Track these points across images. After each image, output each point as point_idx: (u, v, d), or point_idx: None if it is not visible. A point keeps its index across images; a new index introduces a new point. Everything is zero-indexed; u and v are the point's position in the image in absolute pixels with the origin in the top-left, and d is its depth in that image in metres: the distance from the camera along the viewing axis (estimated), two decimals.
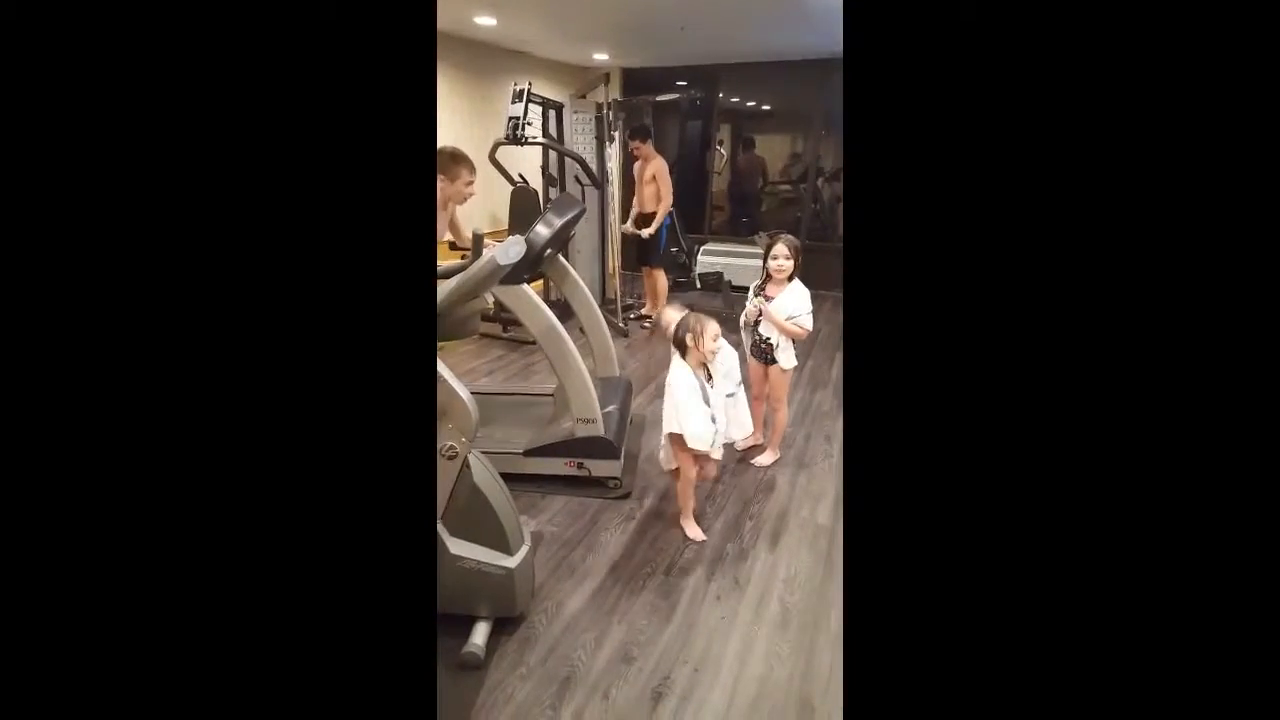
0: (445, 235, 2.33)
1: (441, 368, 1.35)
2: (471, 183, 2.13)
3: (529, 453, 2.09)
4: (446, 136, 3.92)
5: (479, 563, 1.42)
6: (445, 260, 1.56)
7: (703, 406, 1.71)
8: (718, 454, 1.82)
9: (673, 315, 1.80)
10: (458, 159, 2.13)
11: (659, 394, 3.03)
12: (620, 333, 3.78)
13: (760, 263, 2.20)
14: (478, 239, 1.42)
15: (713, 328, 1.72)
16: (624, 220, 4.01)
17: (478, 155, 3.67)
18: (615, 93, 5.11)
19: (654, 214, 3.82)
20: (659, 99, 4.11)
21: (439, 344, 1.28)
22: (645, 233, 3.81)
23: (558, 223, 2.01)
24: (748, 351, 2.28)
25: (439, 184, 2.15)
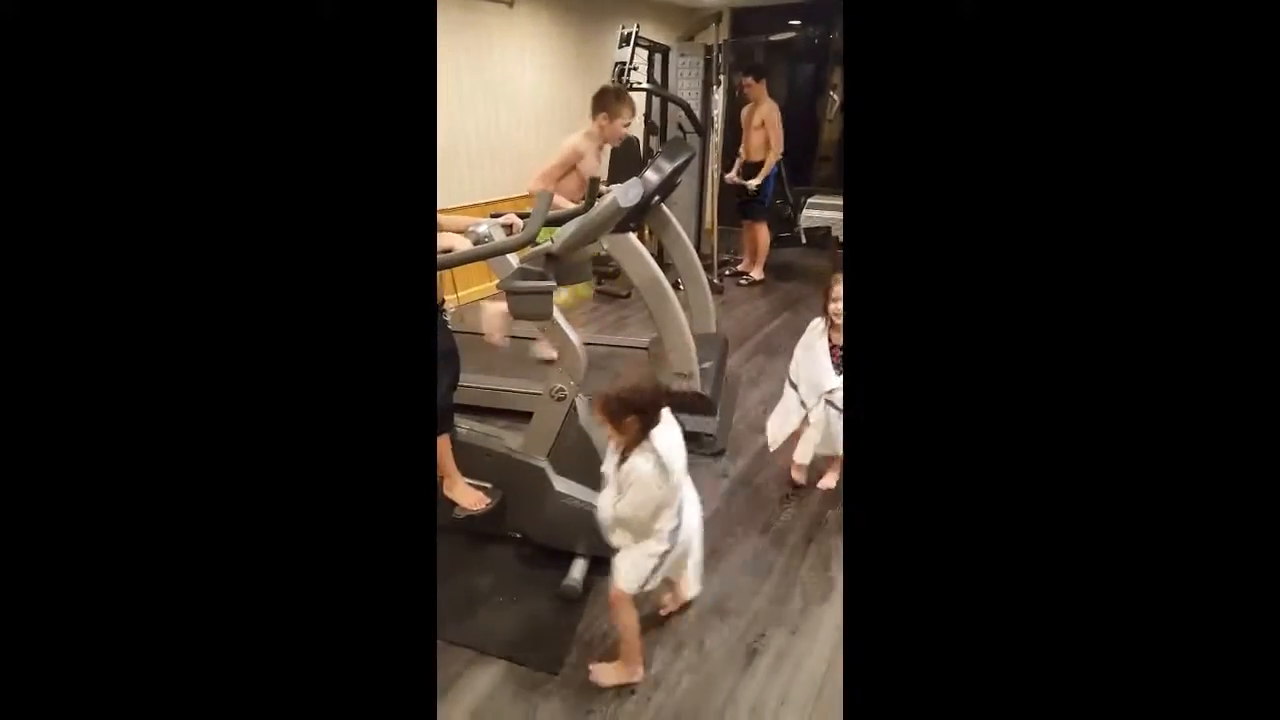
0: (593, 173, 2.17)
1: (556, 314, 1.37)
2: (629, 124, 2.08)
3: None
4: (547, 85, 3.90)
5: (581, 501, 1.47)
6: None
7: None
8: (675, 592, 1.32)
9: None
10: (622, 97, 2.10)
11: (755, 352, 2.92)
12: (715, 289, 3.68)
13: None
14: (594, 182, 1.40)
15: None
16: (726, 170, 3.82)
17: (581, 106, 3.62)
18: (724, 34, 4.80)
19: (761, 163, 3.62)
20: (773, 38, 3.81)
21: (557, 289, 1.29)
22: (751, 184, 3.62)
23: (668, 168, 1.93)
24: None
25: (599, 122, 2.13)
